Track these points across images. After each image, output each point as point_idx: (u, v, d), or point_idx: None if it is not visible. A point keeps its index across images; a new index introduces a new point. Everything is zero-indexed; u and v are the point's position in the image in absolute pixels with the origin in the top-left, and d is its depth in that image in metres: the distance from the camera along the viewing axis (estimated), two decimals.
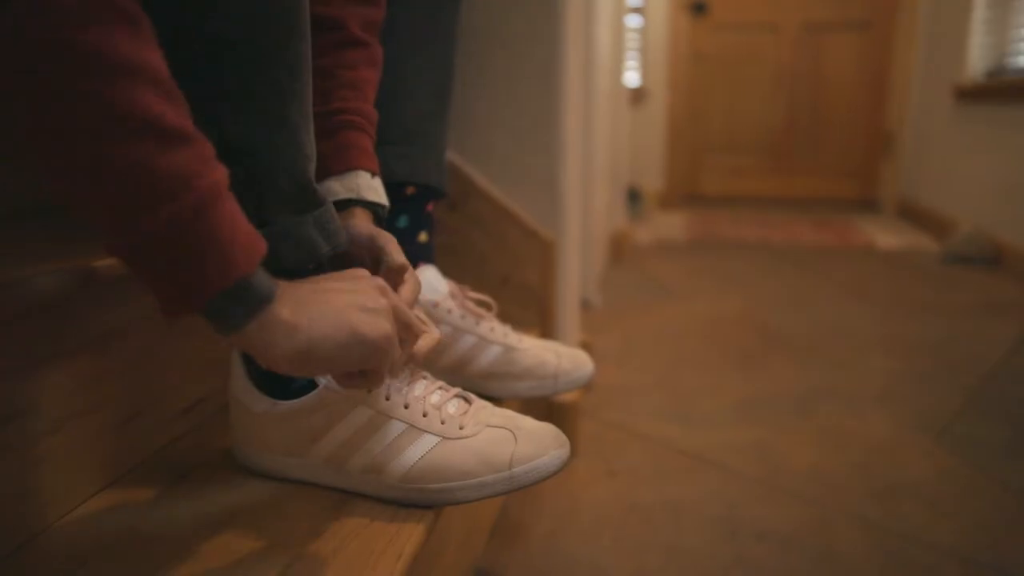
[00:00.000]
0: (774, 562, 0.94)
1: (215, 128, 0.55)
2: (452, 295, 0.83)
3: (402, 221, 0.85)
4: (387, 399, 0.60)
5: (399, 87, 0.83)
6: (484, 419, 0.62)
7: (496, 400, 0.81)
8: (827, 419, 1.35)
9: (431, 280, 0.83)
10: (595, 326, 1.85)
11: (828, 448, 1.24)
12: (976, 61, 2.90)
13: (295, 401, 0.61)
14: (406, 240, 0.84)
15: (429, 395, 0.62)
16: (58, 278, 0.58)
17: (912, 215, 3.50)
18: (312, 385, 0.61)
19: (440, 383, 0.65)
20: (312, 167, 0.60)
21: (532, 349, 0.84)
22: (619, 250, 2.68)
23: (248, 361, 0.64)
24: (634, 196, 3.49)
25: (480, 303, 0.85)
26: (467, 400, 0.65)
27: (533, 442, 0.60)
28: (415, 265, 0.83)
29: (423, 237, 0.86)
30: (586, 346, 1.39)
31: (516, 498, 1.07)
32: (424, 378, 0.64)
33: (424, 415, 0.61)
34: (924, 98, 3.45)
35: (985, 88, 2.77)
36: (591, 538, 1.00)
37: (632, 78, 3.81)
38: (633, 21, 3.74)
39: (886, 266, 2.61)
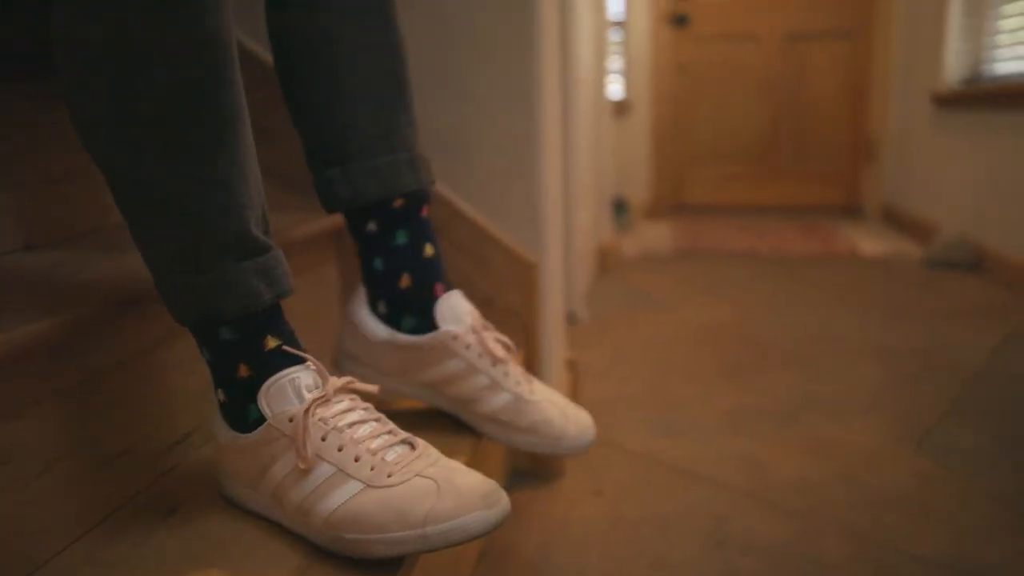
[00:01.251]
0: (761, 574, 0.95)
1: (138, 175, 0.56)
2: (474, 330, 0.78)
3: (401, 237, 0.79)
4: (323, 439, 0.59)
5: (346, 90, 0.76)
6: (418, 468, 0.58)
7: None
8: (813, 429, 1.36)
9: (455, 308, 0.78)
10: (582, 340, 1.86)
11: (814, 458, 1.25)
12: (953, 69, 2.94)
13: (248, 435, 0.62)
14: (410, 258, 0.79)
15: (372, 439, 0.60)
16: (48, 321, 0.59)
17: (896, 220, 3.53)
18: (263, 419, 0.61)
19: (391, 427, 0.62)
20: (251, 214, 0.60)
21: (542, 403, 0.79)
22: (605, 262, 2.70)
23: (214, 389, 0.65)
24: (620, 207, 3.51)
25: (501, 343, 0.80)
26: (413, 446, 0.62)
27: (455, 499, 0.55)
28: (432, 287, 0.79)
29: (429, 250, 0.80)
30: (572, 363, 1.41)
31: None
32: (376, 420, 0.62)
33: (356, 459, 0.58)
34: (904, 105, 3.49)
35: (962, 95, 2.81)
36: (579, 555, 1.01)
37: (616, 90, 3.84)
38: (615, 34, 3.77)
39: (871, 272, 2.63)
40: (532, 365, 1.15)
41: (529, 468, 1.20)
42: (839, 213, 3.92)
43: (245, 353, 0.61)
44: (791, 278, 2.56)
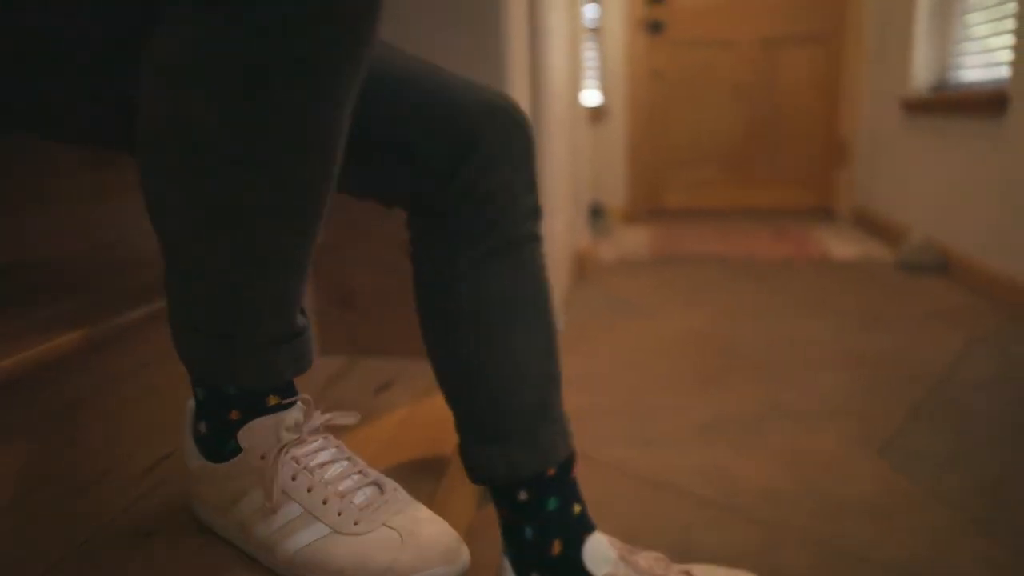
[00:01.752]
0: None
1: (203, 259, 0.55)
2: (623, 559, 0.76)
3: (552, 504, 0.77)
4: (293, 479, 0.60)
5: (507, 370, 0.75)
6: (384, 517, 0.59)
7: None
8: (781, 437, 1.40)
9: (599, 549, 0.76)
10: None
11: (781, 466, 1.28)
12: (921, 75, 3.00)
13: (220, 464, 0.63)
14: (561, 523, 0.76)
15: (341, 480, 0.61)
16: (17, 357, 0.60)
17: (867, 223, 3.59)
18: (239, 450, 0.62)
19: (361, 467, 0.63)
20: (297, 306, 0.60)
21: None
22: (583, 268, 2.73)
23: (195, 419, 0.66)
24: (597, 213, 3.55)
25: (653, 557, 0.79)
26: (381, 489, 0.62)
27: (418, 554, 0.56)
28: (581, 544, 0.76)
29: (577, 509, 0.78)
30: None
31: (477, 531, 1.10)
32: (347, 459, 0.63)
33: (324, 502, 0.59)
34: (875, 110, 3.55)
35: (930, 101, 2.86)
36: None
37: (593, 96, 3.87)
38: (591, 41, 3.80)
39: (842, 277, 2.68)
40: None
41: None
42: (813, 216, 3.98)
43: (243, 405, 0.62)
44: (765, 283, 2.60)
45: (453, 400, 0.78)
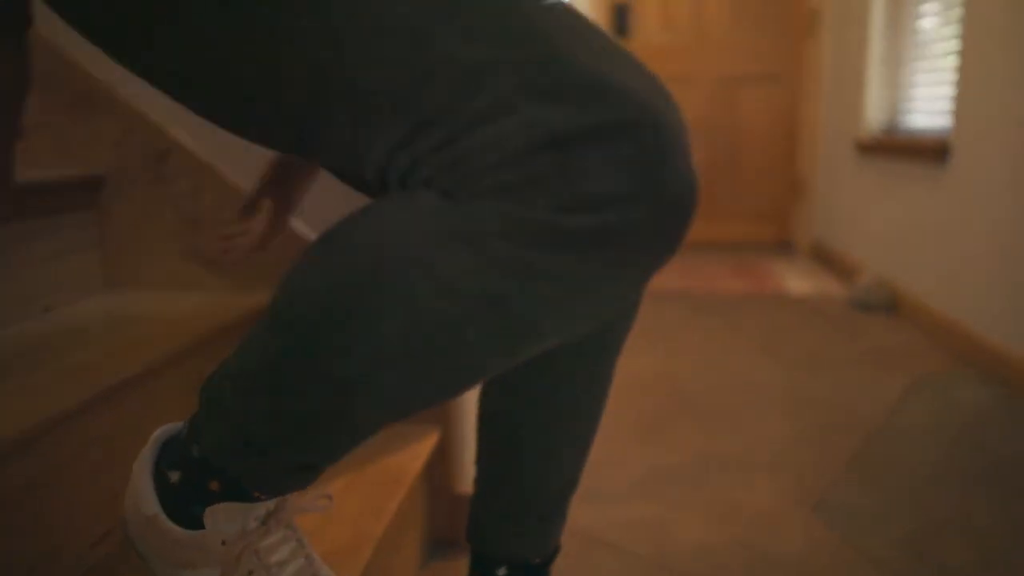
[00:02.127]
0: None
1: (289, 398, 0.54)
2: None
3: None
4: (249, 574, 0.60)
5: (550, 463, 0.78)
6: None
7: None
8: (719, 490, 1.44)
9: None
10: None
11: (716, 522, 1.33)
12: (873, 116, 3.10)
13: (177, 529, 0.60)
14: None
15: None
16: None
17: (824, 258, 3.68)
18: (201, 522, 0.60)
19: (316, 566, 0.64)
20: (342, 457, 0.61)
21: None
22: None
23: (165, 461, 0.63)
24: None
25: None
26: None
27: None
28: None
29: None
30: None
31: None
32: (305, 558, 0.64)
33: None
34: (831, 148, 3.66)
35: (880, 143, 2.96)
36: None
37: None
38: None
39: (795, 315, 2.75)
40: (449, 444, 1.20)
41: (447, 537, 1.26)
42: (772, 249, 4.07)
43: (230, 487, 0.60)
44: (720, 320, 2.66)
45: (488, 470, 0.80)
